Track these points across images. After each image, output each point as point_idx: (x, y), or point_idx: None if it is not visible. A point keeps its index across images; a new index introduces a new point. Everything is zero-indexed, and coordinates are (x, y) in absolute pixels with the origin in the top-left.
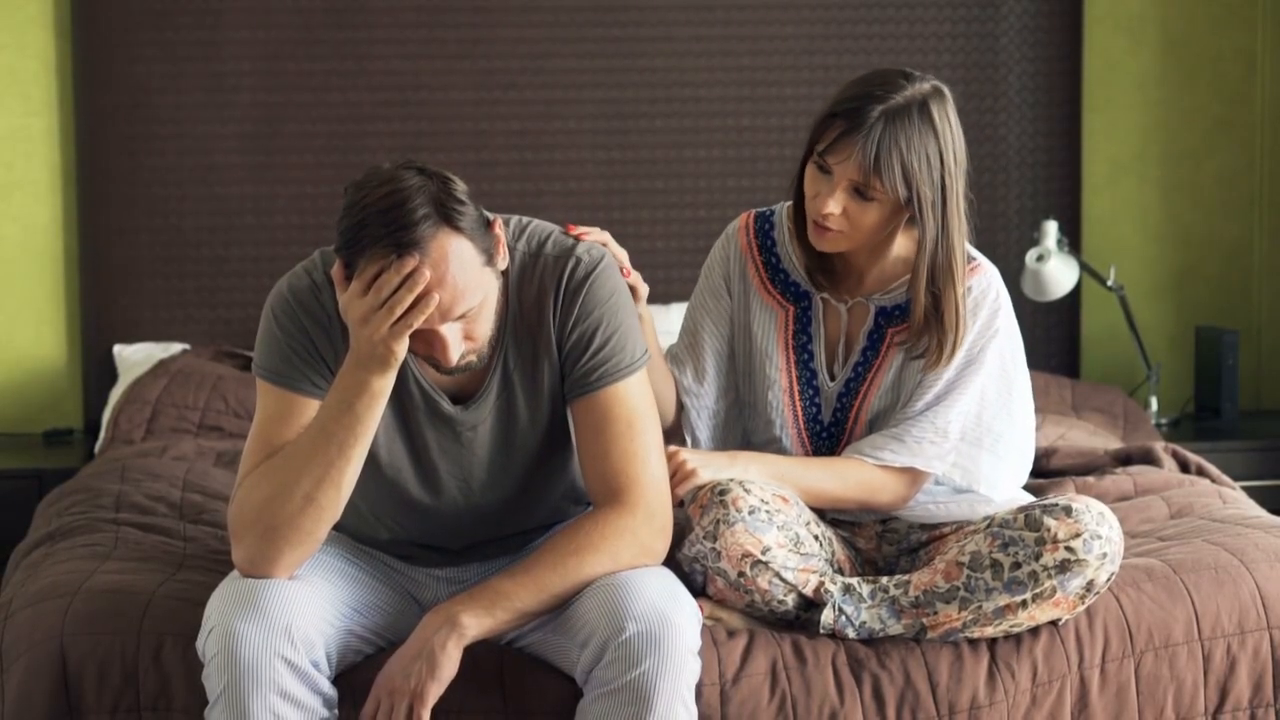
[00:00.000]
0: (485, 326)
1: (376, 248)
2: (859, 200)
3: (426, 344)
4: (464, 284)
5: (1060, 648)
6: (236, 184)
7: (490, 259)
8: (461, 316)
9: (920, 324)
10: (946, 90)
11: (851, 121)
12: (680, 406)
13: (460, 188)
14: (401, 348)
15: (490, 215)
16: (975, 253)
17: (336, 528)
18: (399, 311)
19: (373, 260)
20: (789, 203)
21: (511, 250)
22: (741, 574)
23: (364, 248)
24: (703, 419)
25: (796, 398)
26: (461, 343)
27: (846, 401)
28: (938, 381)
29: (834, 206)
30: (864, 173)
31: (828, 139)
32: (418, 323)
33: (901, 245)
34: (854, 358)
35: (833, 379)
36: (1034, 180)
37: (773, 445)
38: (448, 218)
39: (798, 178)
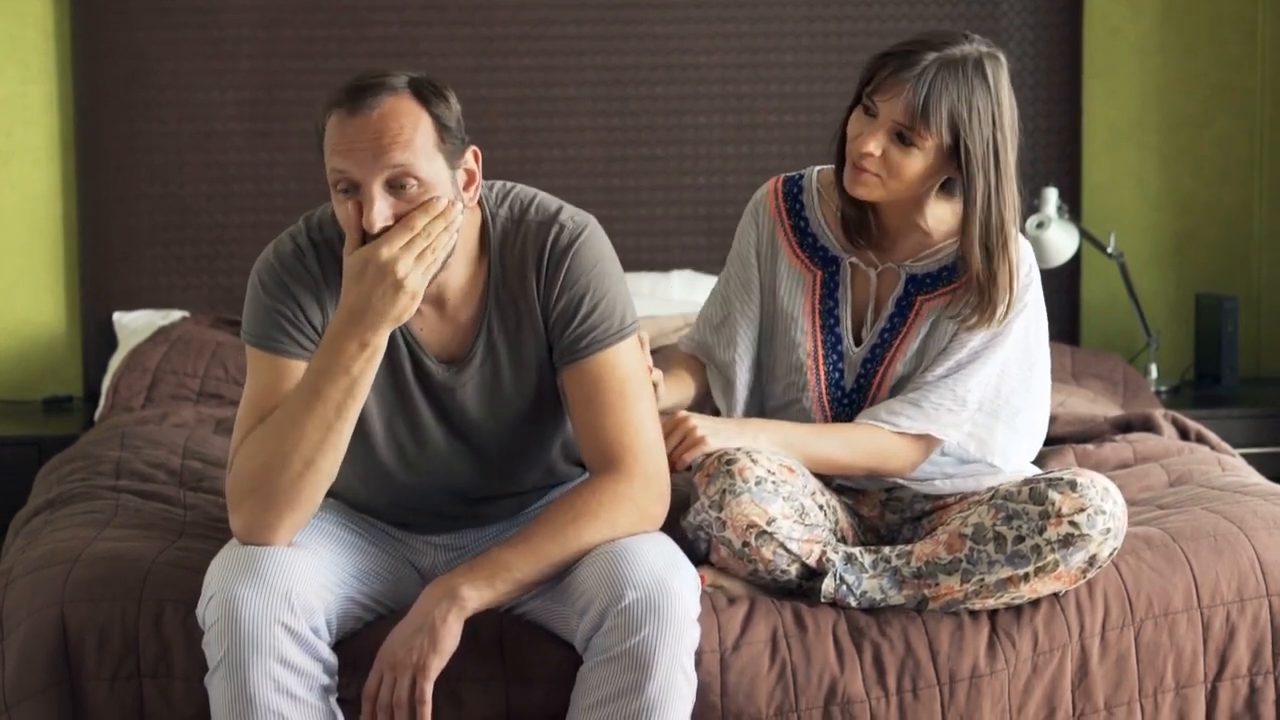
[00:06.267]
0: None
1: (333, 100)
2: (900, 145)
3: (357, 210)
4: (407, 140)
5: (1060, 617)
6: (236, 151)
7: (450, 161)
8: (399, 187)
9: (973, 283)
10: (1003, 58)
11: (904, 61)
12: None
13: (451, 95)
14: (418, 285)
15: (475, 148)
16: None
17: (333, 494)
18: (423, 243)
19: (331, 119)
20: (820, 168)
21: (494, 216)
22: (746, 544)
23: (329, 113)
24: (733, 390)
25: (820, 362)
26: (388, 215)
27: (871, 368)
28: (961, 349)
29: (874, 147)
30: (910, 114)
31: (878, 79)
32: (444, 255)
33: (936, 213)
34: (881, 324)
35: (858, 344)
36: (1034, 147)
37: (792, 409)
38: (418, 91)
39: (842, 124)
